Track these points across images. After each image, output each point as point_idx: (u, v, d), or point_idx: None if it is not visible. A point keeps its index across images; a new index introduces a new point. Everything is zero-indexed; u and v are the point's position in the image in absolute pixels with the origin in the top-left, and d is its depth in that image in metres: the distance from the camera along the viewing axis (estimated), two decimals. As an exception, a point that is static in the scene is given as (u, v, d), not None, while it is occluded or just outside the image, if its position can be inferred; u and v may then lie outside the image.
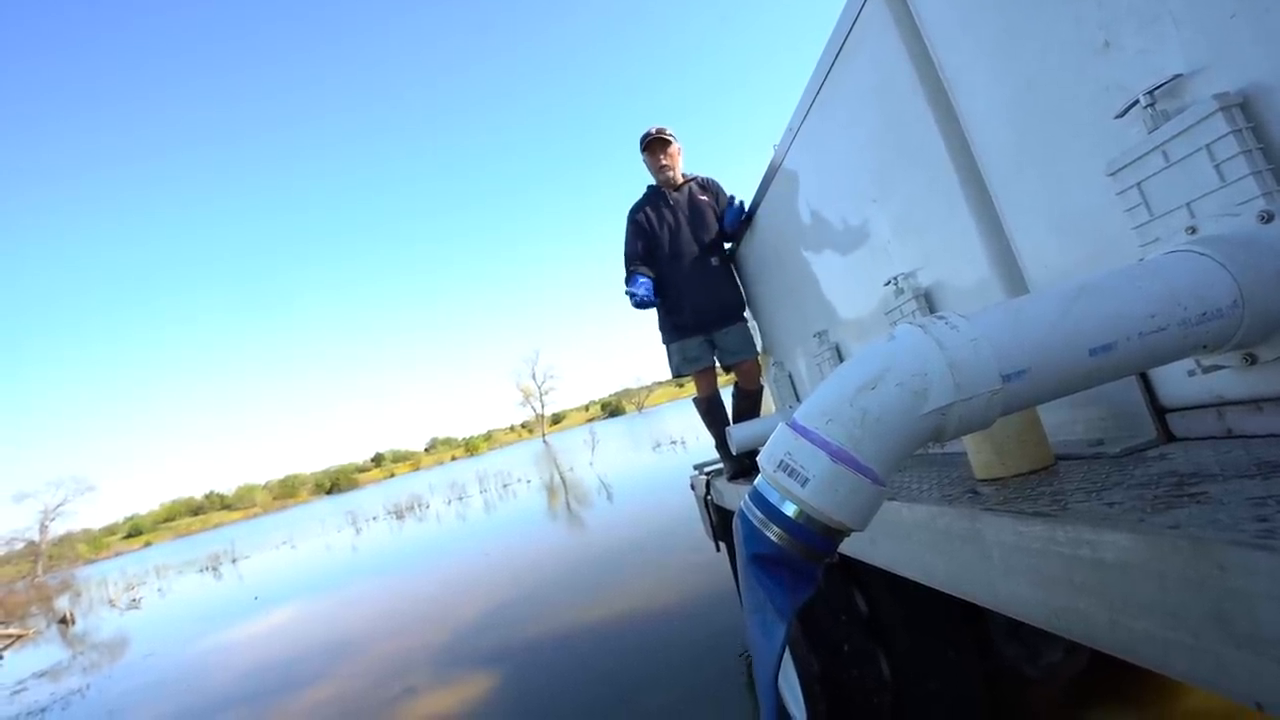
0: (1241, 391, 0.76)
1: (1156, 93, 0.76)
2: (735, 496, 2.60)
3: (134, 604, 16.93)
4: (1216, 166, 0.70)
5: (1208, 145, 0.70)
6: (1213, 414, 0.81)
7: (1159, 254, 0.72)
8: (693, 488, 3.64)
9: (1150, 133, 0.77)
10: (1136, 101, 0.78)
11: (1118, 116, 0.82)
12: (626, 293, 2.79)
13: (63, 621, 15.92)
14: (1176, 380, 0.85)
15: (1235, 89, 0.69)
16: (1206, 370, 0.77)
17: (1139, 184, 0.80)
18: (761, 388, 2.92)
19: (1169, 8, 0.74)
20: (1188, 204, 0.74)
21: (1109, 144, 0.86)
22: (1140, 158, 0.79)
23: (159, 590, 19.47)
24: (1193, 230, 0.73)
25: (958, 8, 1.11)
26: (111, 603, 18.57)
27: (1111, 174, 0.84)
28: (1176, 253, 0.68)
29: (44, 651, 11.75)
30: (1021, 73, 1.00)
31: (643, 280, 2.76)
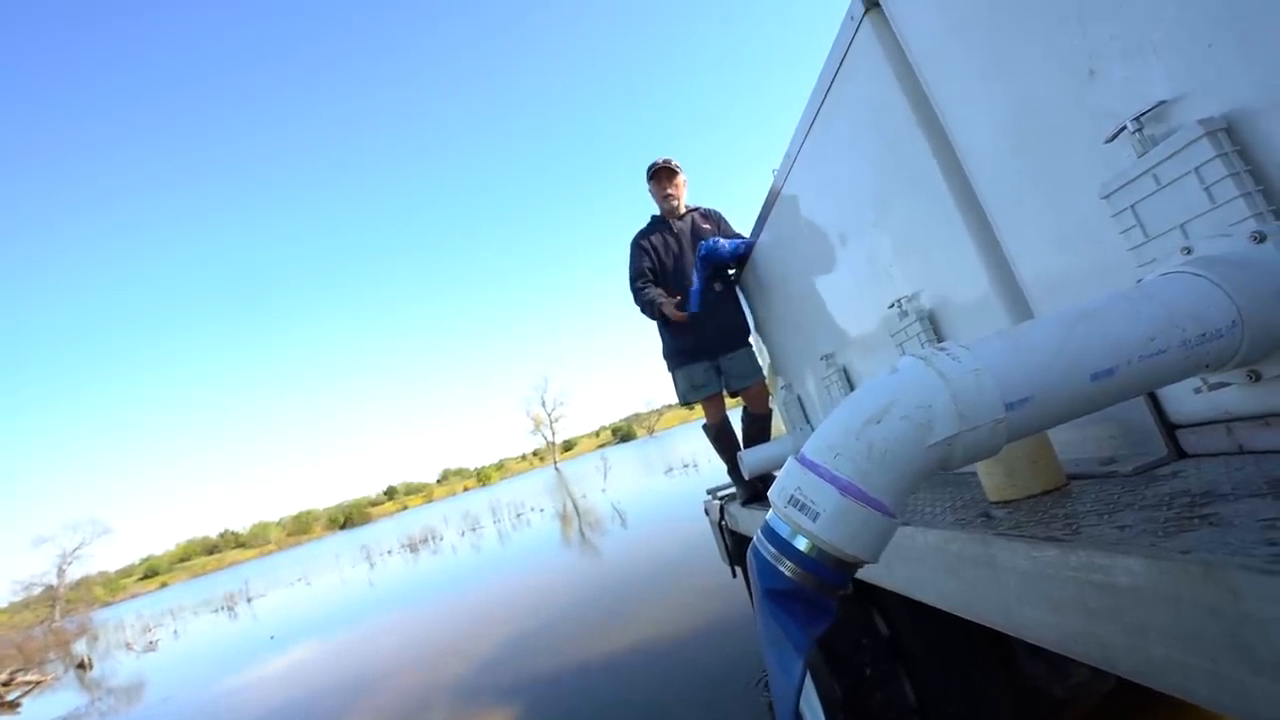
0: (1249, 407, 0.76)
1: (1143, 118, 0.78)
2: (750, 521, 2.58)
3: (151, 646, 16.86)
4: (1206, 189, 0.71)
5: (1196, 168, 0.71)
6: (1222, 430, 0.81)
7: (1156, 275, 0.73)
8: (707, 513, 3.62)
9: (1140, 157, 0.79)
10: (1125, 127, 0.80)
11: (1107, 141, 0.84)
12: (645, 301, 2.80)
13: (80, 666, 15.87)
14: (1184, 397, 0.86)
15: (1219, 114, 0.70)
16: (1212, 388, 0.77)
17: (1132, 206, 0.81)
18: (770, 411, 2.92)
19: (1149, 38, 0.76)
20: (1181, 225, 0.75)
21: (1102, 168, 0.87)
22: (1132, 181, 0.80)
23: (175, 632, 19.40)
24: (1188, 251, 0.74)
25: (945, 38, 1.14)
26: (128, 646, 18.50)
27: (1105, 197, 0.85)
28: (1173, 274, 0.69)
29: (62, 697, 11.70)
30: (1012, 100, 1.02)
31: (652, 291, 2.78)
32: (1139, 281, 0.75)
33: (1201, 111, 0.72)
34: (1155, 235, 0.79)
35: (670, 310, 2.68)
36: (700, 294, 2.71)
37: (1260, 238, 0.66)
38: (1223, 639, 0.47)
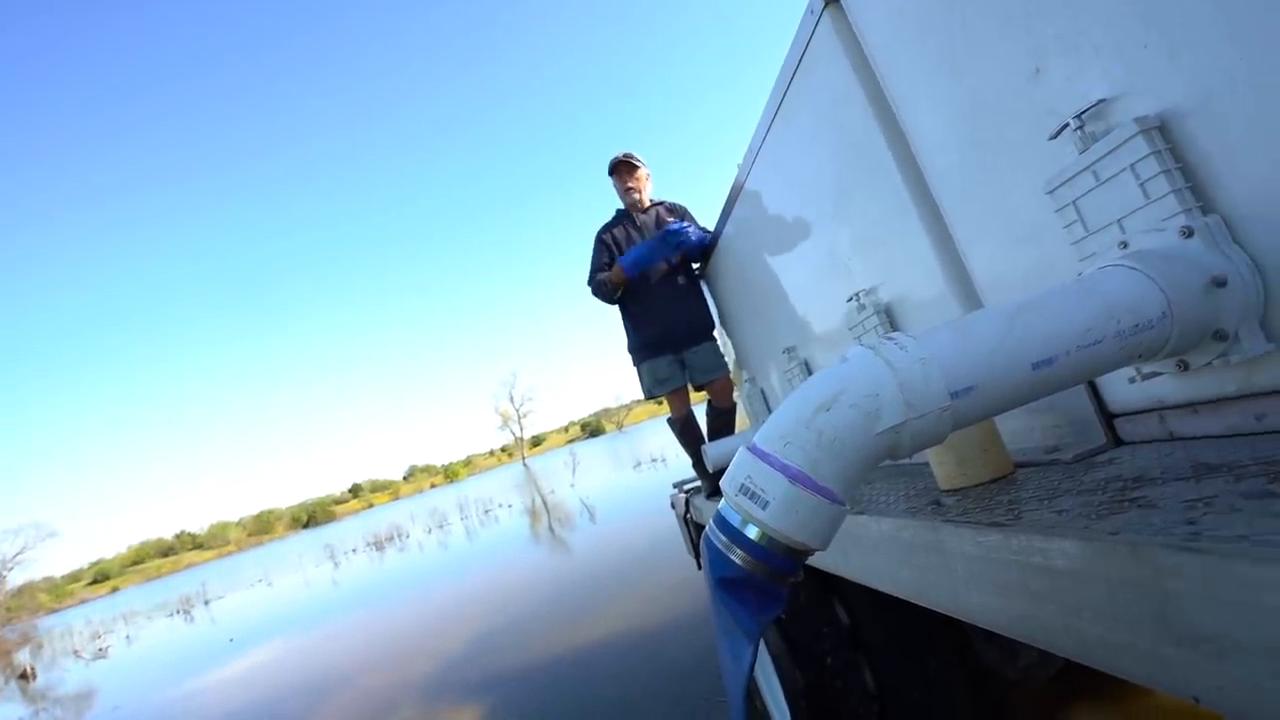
0: (1178, 396, 0.80)
1: (1084, 116, 0.80)
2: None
3: (100, 653, 16.23)
4: (1141, 185, 0.74)
5: (1132, 165, 0.74)
6: (1155, 418, 0.84)
7: (1094, 269, 0.75)
8: (673, 506, 3.64)
9: (1081, 153, 0.81)
10: (1067, 124, 0.82)
11: (1051, 138, 0.87)
12: (595, 284, 2.83)
13: (23, 676, 15.17)
14: (1121, 388, 0.89)
15: (1153, 113, 0.73)
16: (1145, 377, 0.80)
17: (1074, 202, 0.84)
18: (735, 405, 2.94)
19: (1089, 38, 0.78)
20: (1119, 220, 0.78)
21: (1046, 164, 0.90)
22: (1074, 177, 0.83)
23: (127, 637, 18.72)
24: (1124, 245, 0.77)
25: (900, 36, 1.16)
26: (76, 653, 17.78)
27: (1049, 192, 0.88)
28: (1109, 268, 0.72)
29: (2, 710, 11.19)
30: (963, 97, 1.05)
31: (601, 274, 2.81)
32: (1079, 275, 0.78)
33: (1137, 110, 0.75)
34: (1095, 230, 0.82)
35: (610, 275, 2.73)
36: (644, 260, 2.73)
37: (1188, 233, 0.69)
38: (1147, 616, 0.50)
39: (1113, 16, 0.76)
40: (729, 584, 0.62)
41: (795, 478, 0.59)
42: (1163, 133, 0.73)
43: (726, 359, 2.99)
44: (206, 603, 22.57)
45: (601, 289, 2.80)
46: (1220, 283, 0.67)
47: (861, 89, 1.30)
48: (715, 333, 2.96)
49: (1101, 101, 0.79)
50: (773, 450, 0.61)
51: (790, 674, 1.90)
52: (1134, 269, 0.70)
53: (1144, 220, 0.75)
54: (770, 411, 2.56)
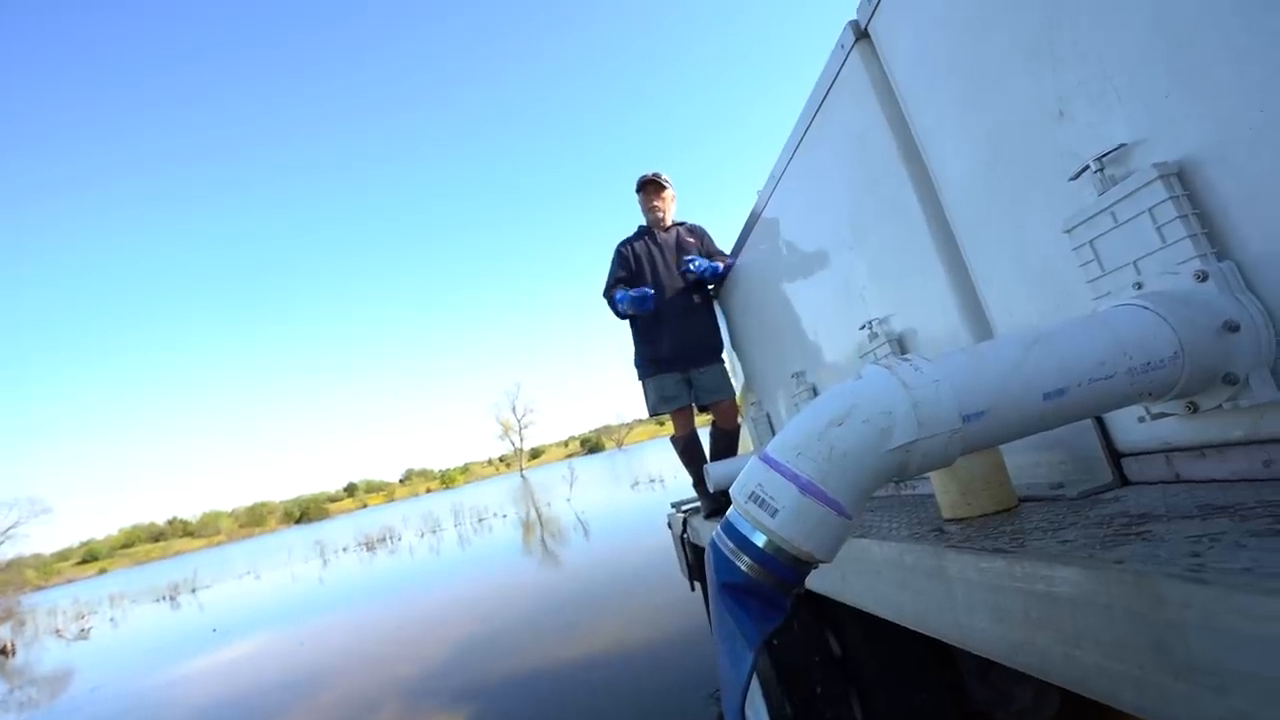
0: (1186, 438, 0.81)
1: (1105, 159, 0.82)
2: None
3: (83, 634, 16.11)
4: (1158, 229, 0.75)
5: (1150, 209, 0.76)
6: (1162, 459, 0.85)
7: (1108, 307, 0.77)
8: (670, 526, 3.62)
9: (1100, 195, 0.83)
10: (1087, 167, 0.84)
11: (1071, 179, 0.89)
12: (617, 304, 2.84)
13: (2, 652, 15.08)
14: (1130, 427, 0.90)
15: (1172, 159, 0.75)
16: (1155, 417, 0.81)
17: (1091, 242, 0.86)
18: (739, 427, 2.95)
19: (1113, 84, 0.81)
20: (1134, 262, 0.80)
21: (1065, 204, 0.92)
22: (1092, 218, 0.85)
23: (111, 620, 18.60)
24: (1139, 286, 0.78)
25: (928, 74, 1.19)
26: (58, 632, 17.67)
27: (1067, 231, 0.90)
28: (1124, 306, 0.73)
29: (-21, 686, 11.11)
30: (986, 134, 1.07)
31: (623, 293, 2.81)
32: (1093, 312, 0.79)
33: (1157, 156, 0.77)
34: (1111, 270, 0.83)
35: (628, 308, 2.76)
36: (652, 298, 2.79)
37: (1203, 277, 0.71)
38: (1148, 644, 0.50)
39: (1138, 66, 0.78)
40: (733, 590, 0.62)
41: (806, 488, 0.60)
42: (1181, 179, 0.75)
43: (733, 381, 3.00)
44: (193, 591, 22.45)
45: (629, 303, 2.81)
46: (1233, 327, 0.69)
47: (887, 122, 1.33)
48: (724, 355, 2.98)
49: (1122, 146, 0.81)
50: (784, 460, 0.62)
51: (778, 702, 1.89)
52: (1148, 308, 0.71)
53: (1159, 263, 0.77)
54: (775, 435, 2.57)
